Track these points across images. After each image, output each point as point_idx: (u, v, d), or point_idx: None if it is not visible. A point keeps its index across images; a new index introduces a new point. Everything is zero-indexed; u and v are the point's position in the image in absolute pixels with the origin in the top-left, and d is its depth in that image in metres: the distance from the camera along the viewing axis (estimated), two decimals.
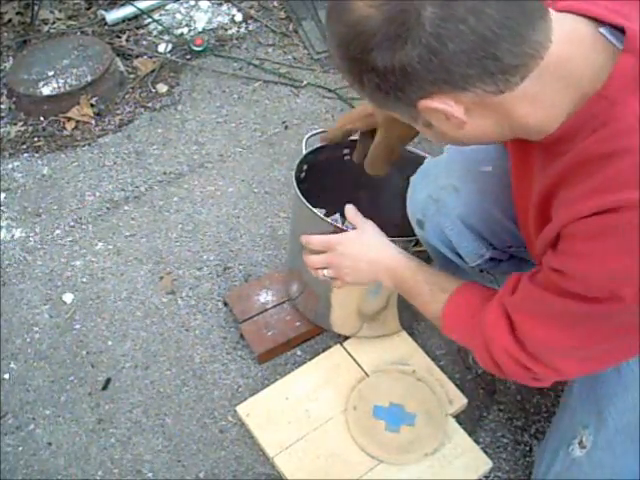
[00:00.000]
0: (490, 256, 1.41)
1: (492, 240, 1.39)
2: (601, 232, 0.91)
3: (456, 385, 1.70)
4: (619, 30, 0.91)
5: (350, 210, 1.45)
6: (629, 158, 0.88)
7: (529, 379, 1.12)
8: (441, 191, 1.38)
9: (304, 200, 1.54)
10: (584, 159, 0.93)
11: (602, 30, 0.92)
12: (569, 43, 0.91)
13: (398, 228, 1.79)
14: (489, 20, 0.84)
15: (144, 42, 2.64)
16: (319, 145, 1.63)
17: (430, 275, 1.29)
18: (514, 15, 0.85)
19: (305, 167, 1.65)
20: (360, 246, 1.39)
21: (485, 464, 1.58)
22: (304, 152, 1.64)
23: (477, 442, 1.61)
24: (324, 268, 1.44)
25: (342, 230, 1.46)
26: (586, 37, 0.92)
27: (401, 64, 0.86)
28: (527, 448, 1.63)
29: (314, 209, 1.53)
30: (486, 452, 1.60)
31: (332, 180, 1.69)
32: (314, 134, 1.65)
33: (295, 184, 1.58)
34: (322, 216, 1.53)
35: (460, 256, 1.43)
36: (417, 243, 1.50)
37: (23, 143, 2.34)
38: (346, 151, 1.67)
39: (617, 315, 0.98)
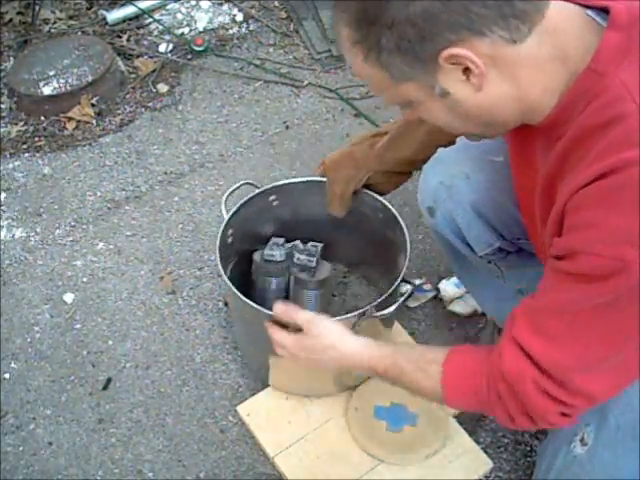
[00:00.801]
0: (499, 246, 1.41)
1: (502, 230, 1.39)
2: (602, 195, 0.91)
3: None
4: (604, 12, 0.94)
5: (283, 309, 1.34)
6: (624, 123, 0.90)
7: (558, 415, 1.07)
8: (453, 178, 1.38)
9: (235, 290, 1.48)
10: (581, 134, 0.94)
11: (589, 12, 0.95)
12: (562, 18, 0.94)
13: (352, 266, 1.88)
14: None
15: (145, 42, 2.64)
16: (241, 202, 1.62)
17: (410, 353, 1.23)
18: None
19: (230, 231, 1.61)
20: (319, 355, 1.30)
21: (486, 464, 1.58)
22: (225, 216, 1.59)
23: (478, 442, 1.61)
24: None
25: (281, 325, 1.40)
26: (575, 15, 0.95)
27: (423, 9, 0.86)
28: (528, 448, 1.63)
29: (248, 300, 1.47)
30: (487, 452, 1.60)
31: (268, 228, 1.72)
32: (233, 191, 1.63)
33: (222, 271, 1.52)
34: (255, 305, 1.46)
35: (469, 246, 1.43)
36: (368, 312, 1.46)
37: (24, 143, 2.34)
38: (273, 197, 1.68)
39: (626, 296, 0.95)
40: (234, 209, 1.61)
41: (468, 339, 1.80)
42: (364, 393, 1.66)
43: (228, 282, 1.51)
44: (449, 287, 1.86)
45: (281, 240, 1.69)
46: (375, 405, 1.64)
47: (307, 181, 1.68)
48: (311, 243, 1.69)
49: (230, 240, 1.61)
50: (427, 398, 1.23)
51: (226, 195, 1.63)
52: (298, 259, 1.65)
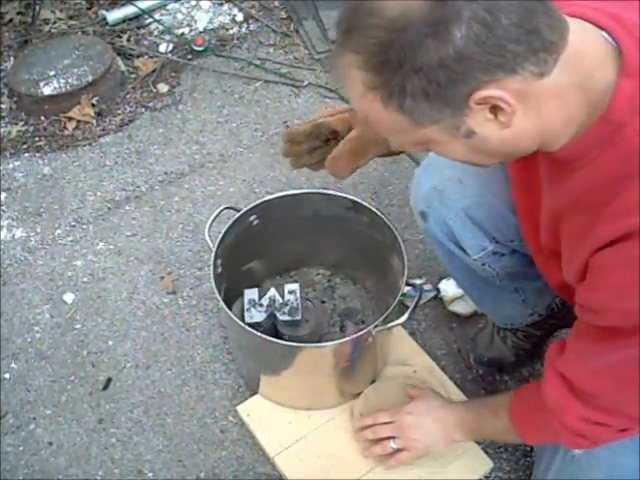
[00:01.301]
0: (493, 249, 1.41)
1: (495, 233, 1.39)
2: (628, 257, 0.91)
3: (457, 385, 1.70)
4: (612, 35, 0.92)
5: (409, 389, 1.57)
6: (636, 182, 0.89)
7: (615, 433, 1.13)
8: (446, 182, 1.38)
9: (231, 314, 1.52)
10: (597, 183, 0.93)
11: (604, 34, 0.92)
12: (581, 41, 0.90)
13: (335, 268, 1.88)
14: None
15: (145, 42, 2.64)
16: (224, 230, 1.62)
17: (487, 401, 1.33)
18: None
19: (220, 261, 1.61)
20: (426, 410, 1.47)
21: (486, 464, 1.58)
22: (212, 248, 1.59)
23: (477, 442, 1.61)
24: (391, 438, 1.48)
25: (269, 341, 1.47)
26: (592, 38, 0.92)
27: (456, 50, 0.81)
28: (527, 448, 1.63)
29: (244, 324, 1.52)
30: (487, 452, 1.60)
31: (251, 248, 1.73)
32: (215, 218, 1.63)
33: (219, 296, 1.54)
34: (250, 330, 1.49)
35: (463, 249, 1.43)
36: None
37: (24, 143, 2.34)
38: (253, 217, 1.69)
39: None
40: (219, 238, 1.60)
41: (468, 339, 1.81)
42: (369, 398, 1.65)
43: (230, 314, 1.52)
44: (449, 287, 1.86)
45: (255, 293, 1.67)
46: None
47: (282, 196, 1.70)
48: (287, 289, 1.67)
49: (220, 270, 1.61)
50: (503, 438, 1.34)
51: (209, 223, 1.62)
52: (283, 320, 1.64)
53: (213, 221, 1.64)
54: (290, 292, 1.66)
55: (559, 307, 1.65)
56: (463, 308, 1.84)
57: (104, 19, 2.66)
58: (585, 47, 0.90)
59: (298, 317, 1.64)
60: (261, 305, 1.65)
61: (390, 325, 1.51)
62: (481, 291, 1.59)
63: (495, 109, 0.87)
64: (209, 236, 1.62)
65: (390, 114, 0.89)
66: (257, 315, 1.63)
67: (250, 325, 1.60)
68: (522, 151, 0.97)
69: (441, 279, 1.89)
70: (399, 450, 1.48)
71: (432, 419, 1.44)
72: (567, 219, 1.01)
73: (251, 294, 1.66)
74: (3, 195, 2.20)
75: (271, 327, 1.66)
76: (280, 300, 1.65)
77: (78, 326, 1.89)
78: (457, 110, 0.87)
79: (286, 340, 1.63)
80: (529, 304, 1.60)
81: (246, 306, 1.65)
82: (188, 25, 2.69)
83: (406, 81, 0.84)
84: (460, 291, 1.83)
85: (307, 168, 1.48)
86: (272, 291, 1.66)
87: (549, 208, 1.05)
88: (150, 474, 1.64)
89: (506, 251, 1.43)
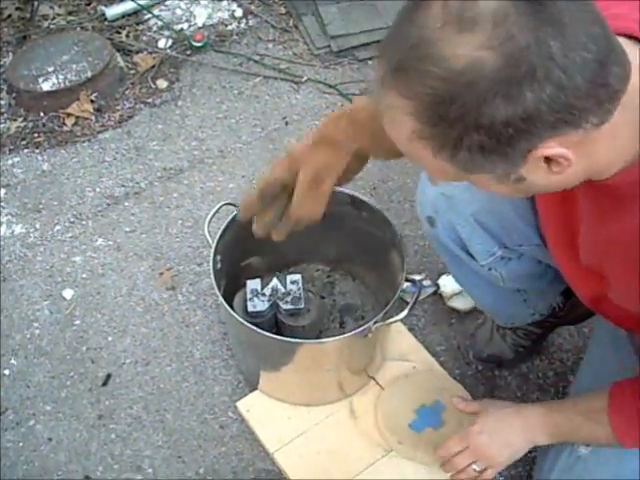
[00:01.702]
0: (501, 254, 1.40)
1: (504, 239, 1.38)
2: None
3: (456, 381, 1.70)
4: None
5: (460, 402, 1.54)
6: None
7: None
8: (454, 188, 1.35)
9: (231, 310, 1.52)
10: None
11: None
12: (635, 71, 0.83)
13: (334, 263, 1.88)
14: (600, 41, 0.76)
15: (144, 38, 2.63)
16: (224, 227, 1.61)
17: (575, 404, 1.27)
18: (609, 33, 0.78)
19: (219, 257, 1.61)
20: (497, 422, 1.38)
21: None
22: (211, 244, 1.59)
23: None
24: (472, 463, 1.42)
25: (269, 337, 1.48)
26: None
27: (526, 110, 0.75)
28: None
29: (245, 321, 1.51)
30: None
31: (250, 244, 1.67)
32: (214, 214, 1.63)
33: (218, 292, 1.54)
34: (250, 326, 1.50)
35: (470, 254, 1.42)
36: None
37: (23, 139, 2.33)
38: None
39: None
40: (218, 234, 1.61)
41: (467, 335, 1.81)
42: (385, 403, 1.66)
43: (230, 309, 1.52)
44: (448, 283, 1.86)
45: (258, 284, 1.66)
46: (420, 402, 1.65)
47: None
48: (290, 279, 1.67)
49: (219, 266, 1.61)
50: (603, 444, 1.24)
51: (208, 219, 1.63)
52: (285, 309, 1.64)
53: (212, 217, 1.64)
54: (292, 282, 1.66)
55: (560, 306, 1.65)
56: (462, 304, 1.84)
57: (103, 15, 2.65)
58: (636, 79, 0.83)
59: (301, 305, 1.63)
60: (264, 295, 1.64)
61: (390, 321, 1.51)
62: (483, 292, 1.58)
63: (550, 160, 0.82)
64: (208, 232, 1.62)
65: (438, 162, 0.83)
66: (260, 304, 1.63)
67: (253, 314, 1.61)
68: (565, 188, 0.93)
69: (440, 275, 1.89)
70: (484, 470, 1.42)
71: (507, 430, 1.36)
72: (626, 248, 0.95)
73: (254, 284, 1.66)
74: (2, 191, 2.19)
75: (273, 318, 1.66)
76: (283, 290, 1.65)
77: (77, 322, 1.89)
78: (513, 165, 0.82)
79: (287, 330, 1.63)
80: (531, 304, 1.59)
81: (248, 296, 1.64)
82: (187, 21, 2.69)
83: (464, 136, 0.78)
84: (459, 287, 1.83)
85: (275, 230, 1.36)
86: (275, 281, 1.66)
87: (596, 233, 1.01)
88: (150, 470, 1.64)
89: (514, 256, 1.41)
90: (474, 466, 1.40)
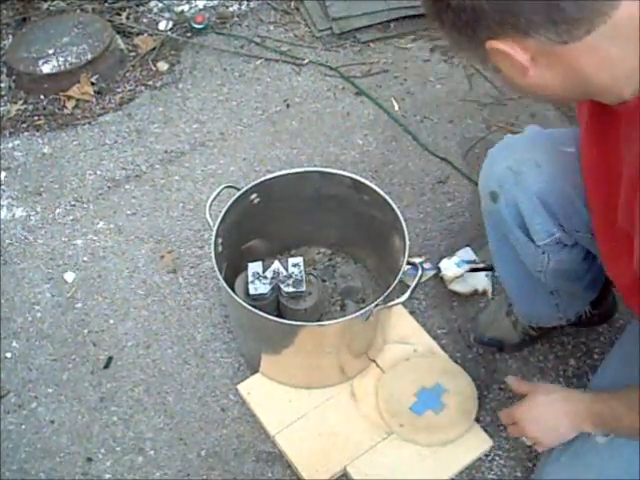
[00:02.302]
0: (559, 237, 1.38)
1: (564, 221, 1.37)
2: None
3: (457, 364, 1.70)
4: None
5: (514, 381, 1.47)
6: None
7: None
8: (522, 165, 1.35)
9: (232, 292, 1.53)
10: None
11: None
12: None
13: (335, 246, 1.88)
14: None
15: (144, 20, 2.62)
16: (225, 209, 1.62)
17: (619, 395, 1.25)
18: None
19: (220, 240, 1.61)
20: (544, 407, 1.35)
21: (485, 443, 1.59)
22: (212, 227, 1.60)
23: (477, 421, 1.62)
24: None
25: (270, 320, 1.48)
26: None
27: (472, 3, 0.88)
28: None
29: (247, 305, 1.51)
30: (486, 431, 1.60)
31: (252, 227, 1.73)
32: (215, 197, 1.64)
33: (220, 275, 1.55)
34: (251, 309, 1.50)
35: (527, 235, 1.41)
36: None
37: (23, 122, 2.33)
38: (253, 196, 1.69)
39: None
40: (219, 217, 1.61)
41: (468, 318, 1.81)
42: (386, 385, 1.66)
43: (231, 292, 1.52)
44: (450, 267, 1.85)
45: (259, 267, 1.66)
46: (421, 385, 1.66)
47: (283, 175, 1.71)
48: (291, 262, 1.67)
49: (220, 249, 1.61)
50: None
51: (209, 202, 1.63)
52: (287, 292, 1.64)
53: (214, 200, 1.64)
54: (294, 265, 1.66)
55: (587, 315, 1.65)
56: (463, 287, 1.84)
57: None
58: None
59: (302, 288, 1.63)
60: (265, 277, 1.64)
61: (391, 304, 1.51)
62: (519, 285, 1.57)
63: (512, 59, 0.93)
64: (210, 215, 1.62)
65: (441, 31, 0.98)
66: (261, 287, 1.63)
67: (254, 297, 1.61)
68: (559, 95, 1.01)
69: (441, 258, 1.89)
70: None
71: (552, 416, 1.34)
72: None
73: (255, 267, 1.66)
74: (3, 174, 2.19)
75: (274, 301, 1.66)
76: (284, 272, 1.65)
77: (79, 305, 1.89)
78: (478, 48, 0.94)
79: (289, 313, 1.63)
80: (561, 309, 1.59)
81: (250, 278, 1.64)
82: (188, 2, 2.67)
83: (441, 13, 0.93)
84: (461, 270, 1.83)
85: None
86: (276, 264, 1.66)
87: (630, 176, 1.02)
88: (151, 452, 1.65)
89: (569, 242, 1.40)
90: (524, 439, 1.40)
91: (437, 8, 0.93)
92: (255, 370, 1.71)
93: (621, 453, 1.23)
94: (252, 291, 1.63)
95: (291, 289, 1.63)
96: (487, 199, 1.43)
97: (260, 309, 1.51)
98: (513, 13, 0.87)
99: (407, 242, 1.55)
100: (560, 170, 1.33)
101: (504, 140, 1.43)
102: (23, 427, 1.69)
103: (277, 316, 1.59)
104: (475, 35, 0.92)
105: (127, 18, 2.60)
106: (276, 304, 1.67)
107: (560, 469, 1.33)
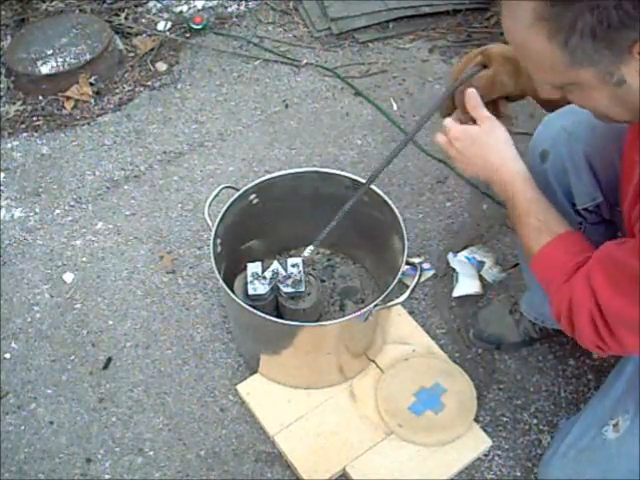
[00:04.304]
0: (600, 202, 1.38)
1: (607, 189, 1.36)
2: None
3: (456, 364, 1.70)
4: None
5: (472, 98, 1.29)
6: None
7: (594, 346, 1.13)
8: (578, 125, 1.34)
9: (231, 293, 1.54)
10: None
11: None
12: None
13: (334, 247, 1.89)
14: None
15: (143, 20, 2.62)
16: (224, 210, 1.63)
17: (542, 210, 1.22)
18: None
19: (219, 241, 1.62)
20: (479, 148, 1.27)
21: (484, 443, 1.59)
22: (211, 227, 1.60)
23: (477, 421, 1.62)
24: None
25: (269, 320, 1.49)
26: None
27: (616, 4, 0.83)
28: (527, 427, 1.64)
29: (245, 305, 1.52)
30: (485, 431, 1.61)
31: (252, 227, 1.73)
32: (214, 197, 1.65)
33: (218, 275, 1.55)
34: (250, 309, 1.50)
35: (569, 200, 1.39)
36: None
37: (22, 122, 2.33)
38: (252, 196, 1.69)
39: None
40: (218, 217, 1.61)
41: (467, 318, 1.81)
42: (386, 384, 1.66)
43: (230, 293, 1.52)
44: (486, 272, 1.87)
45: (259, 267, 1.66)
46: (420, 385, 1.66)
47: (282, 175, 1.71)
48: (290, 262, 1.66)
49: (219, 249, 1.61)
50: (523, 246, 1.24)
51: (208, 202, 1.64)
52: (286, 292, 1.63)
53: (213, 200, 1.64)
54: (293, 265, 1.66)
55: None
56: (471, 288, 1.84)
57: None
58: None
59: (302, 289, 1.63)
60: (264, 278, 1.64)
61: (390, 304, 1.51)
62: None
63: None
64: (209, 215, 1.62)
65: (551, 49, 0.91)
66: (260, 287, 1.63)
67: (253, 297, 1.61)
68: None
69: (439, 257, 1.89)
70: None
71: (481, 161, 1.27)
72: None
73: (254, 267, 1.66)
74: (2, 175, 2.19)
75: (273, 301, 1.66)
76: (283, 273, 1.65)
77: (78, 306, 1.89)
78: (617, 56, 0.88)
79: (288, 313, 1.63)
80: None
81: (249, 279, 1.64)
82: (186, 3, 2.67)
83: (578, 17, 0.85)
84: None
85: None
86: (275, 264, 1.66)
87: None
88: (151, 452, 1.65)
89: (607, 216, 1.40)
90: (457, 144, 1.31)
91: (574, 12, 0.86)
92: (254, 370, 1.71)
93: (630, 450, 1.23)
94: (251, 291, 1.62)
95: (290, 289, 1.63)
96: (536, 161, 1.41)
97: (259, 309, 1.51)
98: None
99: (406, 242, 1.55)
100: (613, 139, 1.30)
101: (562, 109, 1.38)
102: (22, 428, 1.69)
103: (276, 316, 1.58)
104: (621, 39, 0.86)
105: (126, 19, 2.60)
106: (275, 304, 1.67)
107: (568, 463, 1.33)
